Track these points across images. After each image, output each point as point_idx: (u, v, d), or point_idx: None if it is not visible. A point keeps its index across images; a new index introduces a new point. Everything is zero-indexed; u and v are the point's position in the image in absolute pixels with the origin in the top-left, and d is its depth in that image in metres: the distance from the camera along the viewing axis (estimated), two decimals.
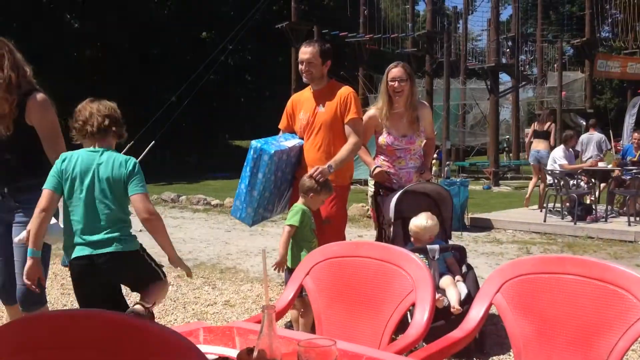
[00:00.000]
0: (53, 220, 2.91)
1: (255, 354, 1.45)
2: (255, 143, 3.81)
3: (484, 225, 9.06)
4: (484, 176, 18.44)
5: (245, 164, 3.85)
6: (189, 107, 18.13)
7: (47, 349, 1.13)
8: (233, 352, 1.66)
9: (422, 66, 22.16)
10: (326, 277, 2.44)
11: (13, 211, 2.99)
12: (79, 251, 2.70)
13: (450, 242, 4.24)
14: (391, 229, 4.07)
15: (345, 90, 3.97)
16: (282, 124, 4.19)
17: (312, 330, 3.17)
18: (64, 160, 2.76)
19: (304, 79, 3.97)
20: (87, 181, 2.71)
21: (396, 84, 4.14)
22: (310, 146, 3.95)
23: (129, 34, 26.52)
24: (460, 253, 4.06)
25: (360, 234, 8.56)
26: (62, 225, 2.97)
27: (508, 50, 22.75)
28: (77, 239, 2.71)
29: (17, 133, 2.92)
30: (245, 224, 4.02)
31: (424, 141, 4.33)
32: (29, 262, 2.73)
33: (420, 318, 2.11)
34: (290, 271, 3.63)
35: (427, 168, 4.42)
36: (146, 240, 2.99)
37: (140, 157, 15.87)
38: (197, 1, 28.05)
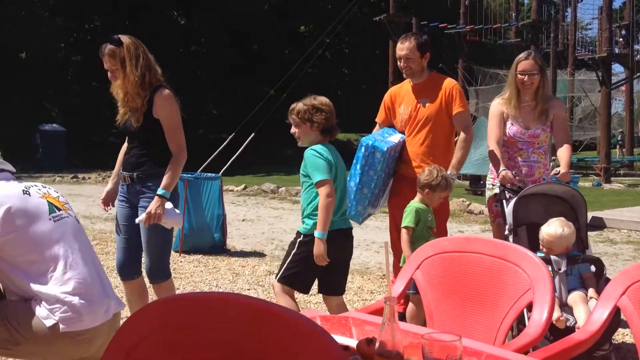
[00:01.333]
0: (169, 206, 3.10)
1: (377, 345, 1.46)
2: (366, 140, 3.81)
3: (595, 224, 8.59)
4: (593, 172, 17.49)
5: (354, 161, 3.85)
6: (286, 100, 18.51)
7: (187, 328, 1.20)
8: (351, 342, 1.69)
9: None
10: (437, 272, 2.42)
11: (139, 195, 3.23)
12: (343, 224, 3.26)
13: (587, 253, 3.66)
14: (511, 237, 3.60)
15: (449, 83, 3.90)
16: (379, 118, 4.16)
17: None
18: (325, 154, 3.20)
19: (405, 75, 3.93)
20: (339, 170, 3.25)
21: (526, 77, 3.79)
22: (413, 141, 3.91)
23: (230, 30, 27.37)
24: (595, 265, 3.39)
25: (460, 229, 8.39)
26: (178, 211, 3.16)
27: (621, 39, 21.33)
28: (340, 216, 3.23)
29: (145, 125, 3.17)
30: (355, 222, 4.00)
31: (549, 136, 3.99)
32: None
33: (539, 317, 2.05)
34: None
35: (564, 169, 3.81)
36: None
37: (240, 149, 16.44)
38: None
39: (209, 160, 16.10)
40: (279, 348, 1.07)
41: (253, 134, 17.01)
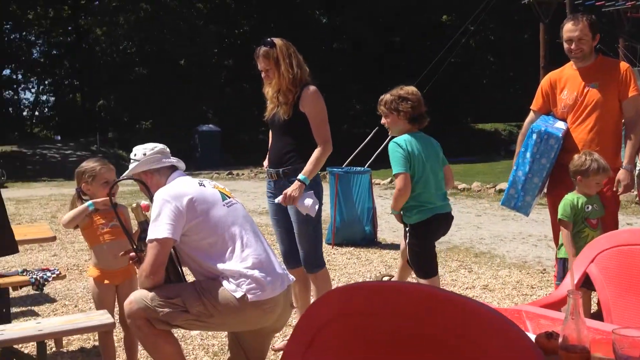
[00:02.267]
0: (310, 196, 3.20)
1: (560, 339, 1.41)
2: (537, 127, 3.64)
3: None
4: None
5: (522, 149, 3.70)
6: (430, 92, 18.23)
7: (364, 315, 1.24)
8: (529, 336, 1.64)
9: None
10: (615, 266, 2.28)
11: (285, 190, 3.35)
12: (441, 209, 3.38)
13: None
14: None
15: (622, 65, 3.64)
16: (535, 105, 3.93)
17: None
18: (405, 146, 3.30)
19: (573, 58, 3.68)
20: (427, 158, 3.35)
21: None
22: (580, 127, 3.66)
23: (371, 25, 27.51)
24: None
25: (629, 221, 7.75)
26: (314, 200, 3.24)
27: None
28: (435, 202, 3.37)
29: (293, 118, 3.32)
30: (521, 213, 3.85)
31: None
32: None
33: None
34: (562, 262, 3.45)
35: None
36: None
37: (385, 142, 16.47)
38: None
39: (353, 155, 16.35)
40: (466, 339, 1.07)
41: None
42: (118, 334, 3.40)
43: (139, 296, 2.51)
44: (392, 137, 3.51)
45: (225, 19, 29.29)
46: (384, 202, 10.36)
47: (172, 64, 27.89)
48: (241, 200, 10.92)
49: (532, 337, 1.54)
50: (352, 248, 6.45)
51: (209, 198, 2.61)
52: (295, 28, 26.33)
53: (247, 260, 2.51)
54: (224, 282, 2.49)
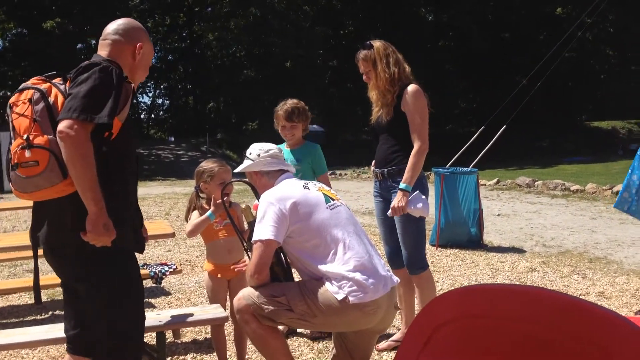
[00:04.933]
0: (416, 197, 3.17)
1: None
2: None
3: None
4: None
5: (639, 152, 3.50)
6: (541, 88, 17.41)
7: (484, 317, 1.21)
8: None
9: None
10: None
11: (390, 190, 3.38)
12: None
13: None
14: None
15: None
16: None
17: None
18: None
19: None
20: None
21: None
22: None
23: (478, 20, 26.74)
24: None
25: None
26: (423, 198, 3.20)
27: None
28: None
29: (394, 118, 3.32)
30: (636, 217, 3.65)
31: None
32: None
33: None
34: None
35: None
36: None
37: (492, 142, 15.99)
38: None
39: (458, 155, 15.98)
40: (594, 345, 1.03)
41: (504, 126, 16.40)
42: (228, 327, 3.54)
43: (247, 293, 2.61)
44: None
45: (330, 20, 29.66)
46: (490, 204, 10.06)
47: (279, 66, 28.64)
48: (344, 200, 11.07)
49: None
50: (457, 250, 6.31)
51: (312, 201, 2.66)
52: (401, 26, 26.17)
53: (349, 263, 2.53)
54: (327, 284, 2.53)
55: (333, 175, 18.01)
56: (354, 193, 12.63)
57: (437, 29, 29.11)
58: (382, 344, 3.45)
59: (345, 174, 18.04)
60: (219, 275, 3.23)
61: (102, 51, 2.32)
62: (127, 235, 2.26)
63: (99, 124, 2.06)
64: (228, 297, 3.24)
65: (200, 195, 3.29)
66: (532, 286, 1.20)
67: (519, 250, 6.27)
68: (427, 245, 6.51)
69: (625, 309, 4.16)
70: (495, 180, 13.38)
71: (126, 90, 2.22)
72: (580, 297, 4.49)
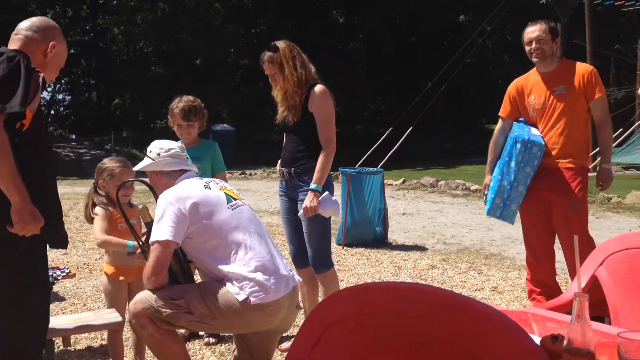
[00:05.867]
0: (326, 196, 3.21)
1: (565, 342, 1.39)
2: (520, 135, 3.64)
3: None
4: None
5: (507, 158, 3.69)
6: (445, 92, 18.13)
7: (379, 315, 1.23)
8: (533, 338, 1.62)
9: None
10: (623, 269, 2.24)
11: (297, 189, 3.39)
12: None
13: None
14: None
15: (587, 68, 3.68)
16: (504, 111, 3.93)
17: None
18: None
19: (534, 59, 3.71)
20: None
21: None
22: (551, 132, 3.68)
23: (388, 24, 27.44)
24: None
25: None
26: (334, 199, 3.24)
27: None
28: None
29: (302, 119, 3.33)
30: (507, 222, 3.87)
31: None
32: None
33: None
34: None
35: None
36: None
37: (398, 143, 16.42)
38: None
39: (366, 155, 16.35)
40: (472, 340, 1.06)
41: (411, 127, 16.95)
42: (127, 332, 3.41)
43: (144, 296, 2.52)
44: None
45: (242, 18, 29.39)
46: (396, 203, 10.34)
47: (189, 63, 28.06)
48: (253, 200, 11.03)
49: (538, 339, 1.51)
50: (363, 249, 6.43)
51: (213, 201, 2.62)
52: (312, 27, 26.37)
53: (250, 263, 2.51)
54: (228, 285, 2.49)
55: (243, 175, 17.86)
56: (264, 193, 12.58)
57: (347, 31, 29.58)
58: (285, 344, 3.44)
59: (255, 174, 17.96)
60: (121, 278, 3.11)
61: (12, 45, 2.24)
62: (47, 231, 2.17)
63: (11, 114, 1.96)
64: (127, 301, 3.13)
65: (99, 191, 3.18)
66: (418, 284, 1.23)
67: (422, 248, 6.48)
68: (333, 244, 6.59)
69: (516, 303, 4.39)
70: (401, 180, 13.77)
71: (36, 80, 2.12)
72: (476, 291, 4.71)
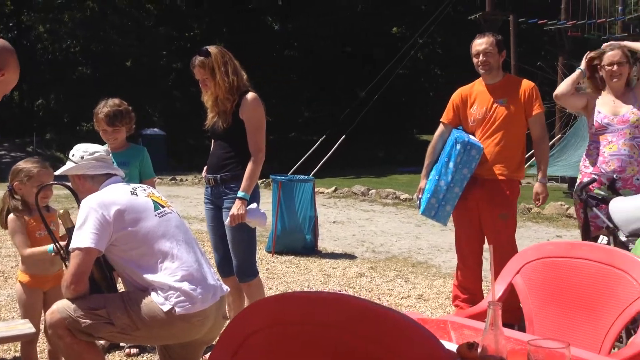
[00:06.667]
0: (253, 206, 3.19)
1: (479, 350, 1.43)
2: (461, 137, 3.74)
3: None
4: None
5: (446, 159, 3.78)
6: (378, 102, 18.46)
7: (296, 324, 1.22)
8: (450, 346, 1.66)
9: (633, 53, 20.00)
10: (538, 277, 2.33)
11: (222, 197, 3.36)
12: None
13: None
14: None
15: (529, 84, 3.85)
16: (446, 117, 4.06)
17: None
18: None
19: (481, 71, 3.86)
20: None
21: (615, 67, 3.65)
22: (487, 141, 3.83)
23: (323, 33, 27.67)
24: None
25: (559, 234, 8.03)
26: (262, 211, 3.24)
27: None
28: None
29: (232, 126, 3.30)
30: (440, 223, 3.96)
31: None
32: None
33: None
34: None
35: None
36: None
37: (331, 151, 16.54)
38: None
39: (299, 163, 16.40)
40: (386, 348, 1.07)
41: (344, 136, 17.14)
42: (42, 344, 3.26)
43: (62, 306, 2.42)
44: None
45: (175, 21, 28.89)
46: (327, 211, 10.40)
47: (119, 65, 27.31)
48: (183, 206, 10.82)
49: (455, 347, 1.55)
50: (292, 257, 6.42)
51: (139, 208, 2.55)
52: (247, 33, 26.23)
53: (176, 273, 2.45)
54: (153, 294, 2.43)
55: (173, 181, 17.51)
56: (194, 199, 12.36)
57: (283, 38, 29.63)
58: (209, 355, 3.38)
59: (186, 180, 17.63)
60: (36, 287, 2.98)
61: None
62: None
63: None
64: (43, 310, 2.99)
65: (15, 196, 3.02)
66: (336, 293, 1.24)
67: (351, 256, 6.54)
68: (263, 252, 6.56)
69: (440, 310, 4.49)
70: (333, 188, 13.87)
71: None
72: (402, 299, 4.79)
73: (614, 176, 3.64)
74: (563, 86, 3.83)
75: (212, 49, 3.30)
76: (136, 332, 2.43)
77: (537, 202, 3.87)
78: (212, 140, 3.50)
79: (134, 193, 2.60)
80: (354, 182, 15.16)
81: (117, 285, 2.81)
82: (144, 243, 2.49)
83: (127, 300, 2.44)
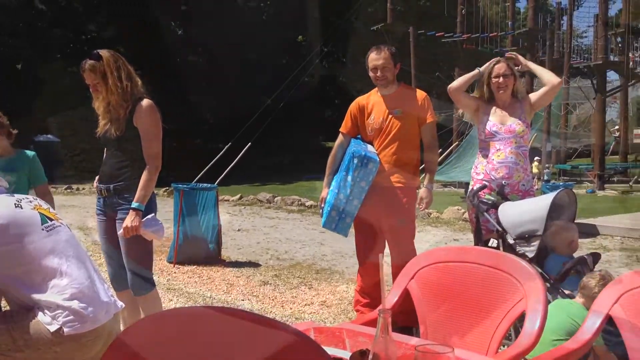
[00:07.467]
0: (150, 216, 3.09)
1: (370, 357, 1.45)
2: (358, 151, 3.81)
3: (588, 232, 8.57)
4: (587, 179, 17.51)
5: (344, 173, 3.85)
6: (284, 109, 18.52)
7: (178, 343, 1.18)
8: (344, 354, 1.67)
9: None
10: (431, 282, 2.40)
11: (116, 208, 3.23)
12: None
13: None
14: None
15: (421, 94, 3.99)
16: (345, 127, 4.16)
17: None
18: None
19: (379, 84, 3.98)
20: None
21: (501, 79, 3.87)
22: (385, 150, 3.94)
23: (227, 40, 27.42)
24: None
25: (456, 237, 8.38)
26: (159, 222, 3.14)
27: (617, 47, 21.43)
28: None
29: (126, 134, 3.19)
30: (341, 235, 4.03)
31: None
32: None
33: (532, 327, 2.03)
34: None
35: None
36: None
37: (237, 158, 16.38)
38: (292, 6, 28.56)
39: (205, 170, 16.12)
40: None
41: (249, 143, 17.04)
42: None
43: None
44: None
45: (71, 23, 27.60)
46: (232, 219, 10.28)
47: (8, 68, 25.69)
48: (80, 217, 10.32)
49: (349, 355, 1.56)
50: (195, 266, 6.28)
51: (24, 221, 2.37)
52: (148, 38, 25.50)
53: (65, 291, 2.30)
54: (40, 314, 2.26)
55: (69, 190, 16.69)
56: (91, 209, 11.75)
57: (186, 44, 29.07)
58: None
59: (83, 188, 16.85)
60: None
61: None
62: None
63: None
64: None
65: None
66: (219, 307, 1.21)
67: (255, 265, 6.49)
68: (164, 263, 6.37)
69: (343, 316, 4.54)
70: (238, 196, 13.75)
71: None
72: (306, 306, 4.80)
73: (503, 182, 3.85)
74: (458, 82, 4.06)
75: (104, 52, 3.17)
76: (18, 354, 2.26)
77: (420, 207, 3.98)
78: (105, 149, 3.36)
79: (18, 205, 2.42)
80: (260, 190, 15.10)
81: (1, 304, 2.62)
82: (30, 260, 2.32)
83: (10, 320, 2.27)
